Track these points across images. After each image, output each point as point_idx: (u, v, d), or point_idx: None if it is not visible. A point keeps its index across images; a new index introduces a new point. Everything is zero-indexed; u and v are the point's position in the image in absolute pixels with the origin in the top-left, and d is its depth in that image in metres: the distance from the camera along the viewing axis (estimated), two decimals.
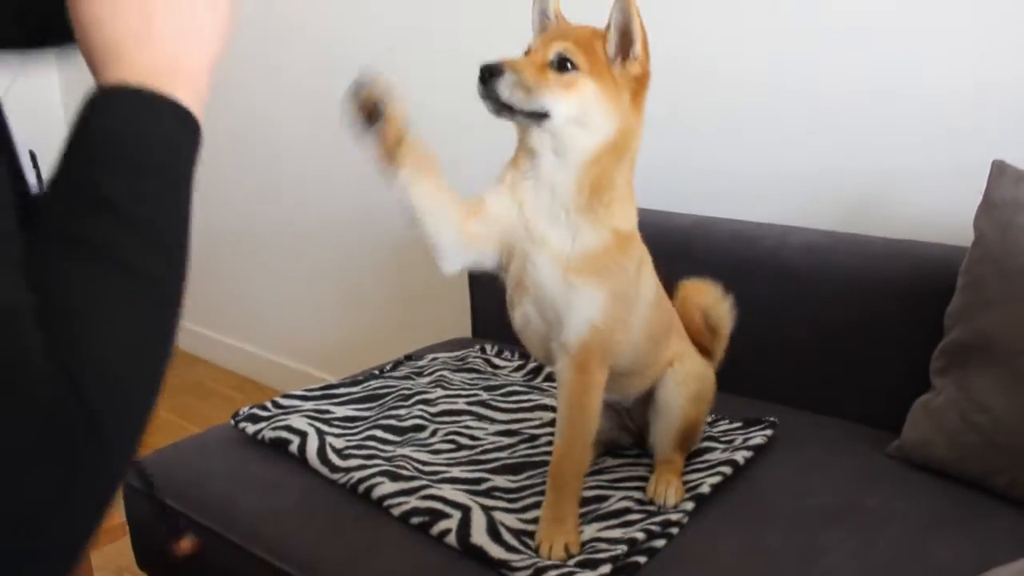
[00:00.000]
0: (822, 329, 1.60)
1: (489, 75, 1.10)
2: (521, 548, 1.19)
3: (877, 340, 1.55)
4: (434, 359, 1.88)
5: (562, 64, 1.13)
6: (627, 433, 1.46)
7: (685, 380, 1.36)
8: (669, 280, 1.51)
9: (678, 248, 1.76)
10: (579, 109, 1.14)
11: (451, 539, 1.22)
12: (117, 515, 1.34)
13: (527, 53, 1.18)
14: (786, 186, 1.79)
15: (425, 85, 2.35)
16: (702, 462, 1.40)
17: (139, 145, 0.56)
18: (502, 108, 1.12)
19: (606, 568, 1.12)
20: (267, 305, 3.12)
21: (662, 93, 1.93)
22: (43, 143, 3.07)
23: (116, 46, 0.58)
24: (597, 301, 1.18)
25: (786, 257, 1.66)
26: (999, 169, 1.38)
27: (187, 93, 0.59)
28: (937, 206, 1.60)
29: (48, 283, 0.50)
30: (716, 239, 1.75)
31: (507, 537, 1.20)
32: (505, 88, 1.11)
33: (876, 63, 1.64)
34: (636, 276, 1.25)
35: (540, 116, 1.13)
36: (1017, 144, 1.46)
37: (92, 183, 0.54)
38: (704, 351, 1.47)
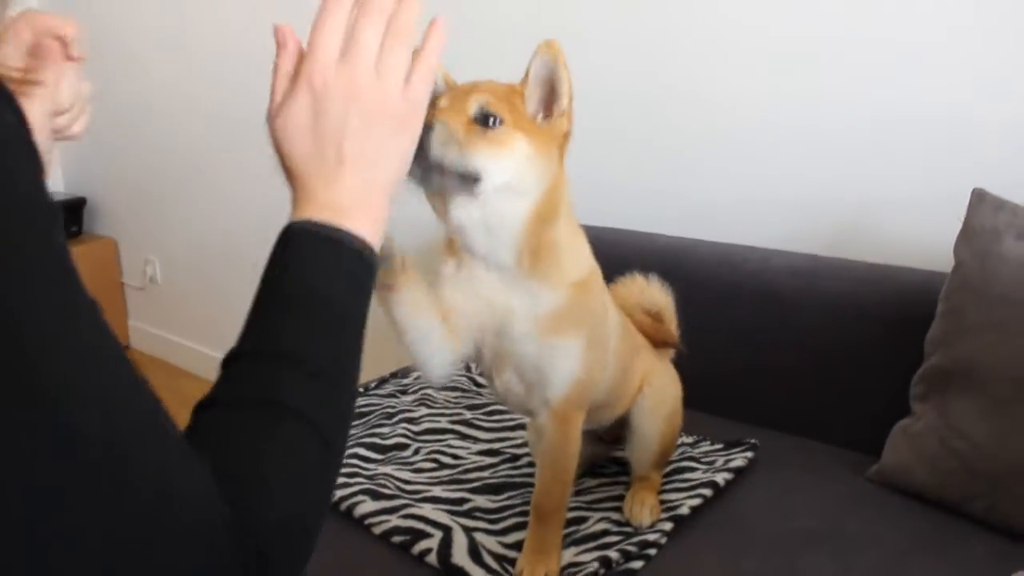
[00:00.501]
0: (804, 352, 1.61)
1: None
2: (501, 572, 1.19)
3: (859, 364, 1.56)
4: (419, 377, 1.88)
5: (485, 118, 1.00)
6: (602, 444, 1.46)
7: (658, 403, 1.35)
8: None
9: (661, 270, 1.76)
10: (512, 171, 1.01)
11: (432, 559, 1.22)
12: None
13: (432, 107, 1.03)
14: (770, 210, 1.81)
15: None
16: (683, 481, 1.40)
17: (323, 298, 0.60)
18: (429, 170, 0.97)
19: None
20: None
21: (648, 117, 1.97)
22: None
23: (307, 181, 0.63)
24: (576, 354, 1.14)
25: (769, 280, 1.67)
26: (978, 197, 1.40)
27: (367, 221, 0.63)
28: (918, 232, 1.62)
29: (231, 445, 0.54)
30: (700, 261, 1.76)
31: (488, 560, 1.21)
32: (437, 144, 0.96)
33: (860, 92, 1.66)
34: (603, 314, 1.22)
35: (471, 180, 0.99)
36: (997, 172, 1.48)
37: (281, 336, 0.58)
38: (662, 343, 1.44)
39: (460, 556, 1.20)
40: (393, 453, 1.54)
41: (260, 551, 0.51)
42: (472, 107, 1.01)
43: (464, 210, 1.03)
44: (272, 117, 0.64)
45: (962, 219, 1.41)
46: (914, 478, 1.38)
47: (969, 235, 1.39)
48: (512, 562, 1.21)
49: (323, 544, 1.31)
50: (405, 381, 1.87)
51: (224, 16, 2.91)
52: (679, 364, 1.49)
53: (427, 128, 0.94)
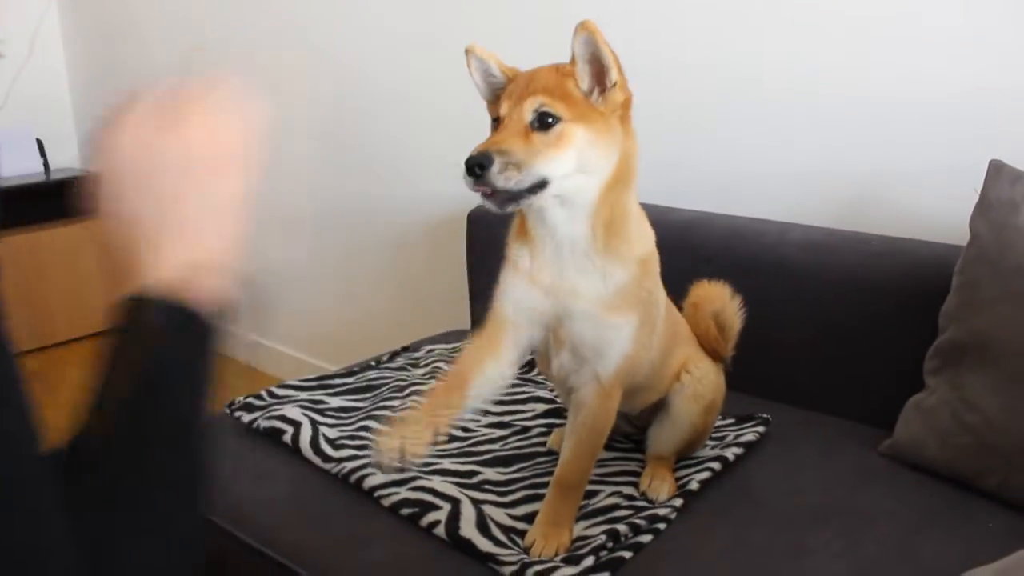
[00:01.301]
0: (818, 326, 1.60)
1: (479, 167, 1.01)
2: (509, 544, 1.19)
3: (873, 338, 1.55)
4: (430, 351, 1.88)
5: (543, 120, 1.05)
6: (628, 424, 1.46)
7: (698, 394, 1.34)
8: (666, 276, 1.51)
9: (675, 243, 1.74)
10: (576, 161, 1.07)
11: (440, 531, 1.22)
12: None
13: (496, 120, 1.09)
14: (786, 183, 1.79)
15: (430, 87, 2.36)
16: (692, 458, 1.40)
17: (165, 371, 0.61)
18: (505, 200, 1.04)
19: (589, 561, 1.12)
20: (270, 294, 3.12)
21: (663, 90, 1.94)
22: (50, 131, 3.13)
23: (135, 249, 0.61)
24: (629, 332, 1.16)
25: (784, 254, 1.65)
26: (996, 169, 1.38)
27: (206, 288, 0.63)
28: (935, 205, 1.60)
29: (87, 527, 0.56)
30: (715, 235, 1.75)
31: (496, 532, 1.21)
32: (499, 176, 1.02)
33: (876, 63, 1.63)
34: (657, 292, 1.23)
35: (540, 186, 1.05)
36: (1014, 144, 1.45)
37: (125, 407, 0.60)
38: (713, 354, 1.45)
39: (468, 528, 1.21)
40: None
41: None
42: (528, 114, 1.06)
43: (541, 199, 1.09)
44: (104, 201, 0.63)
45: (979, 191, 1.39)
46: (926, 453, 1.37)
47: (985, 207, 1.37)
48: (521, 534, 1.21)
49: (332, 516, 1.32)
50: (416, 355, 1.87)
51: None
52: None
53: (487, 163, 1.01)
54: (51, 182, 3.52)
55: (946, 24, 1.55)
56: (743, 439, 1.43)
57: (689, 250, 1.74)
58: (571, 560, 1.13)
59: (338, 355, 2.67)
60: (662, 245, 1.68)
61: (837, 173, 1.71)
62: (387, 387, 1.69)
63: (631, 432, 1.46)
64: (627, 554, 1.16)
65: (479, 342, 1.20)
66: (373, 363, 1.83)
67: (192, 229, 0.62)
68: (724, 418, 1.54)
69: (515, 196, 1.05)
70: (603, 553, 1.15)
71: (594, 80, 1.08)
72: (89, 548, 0.55)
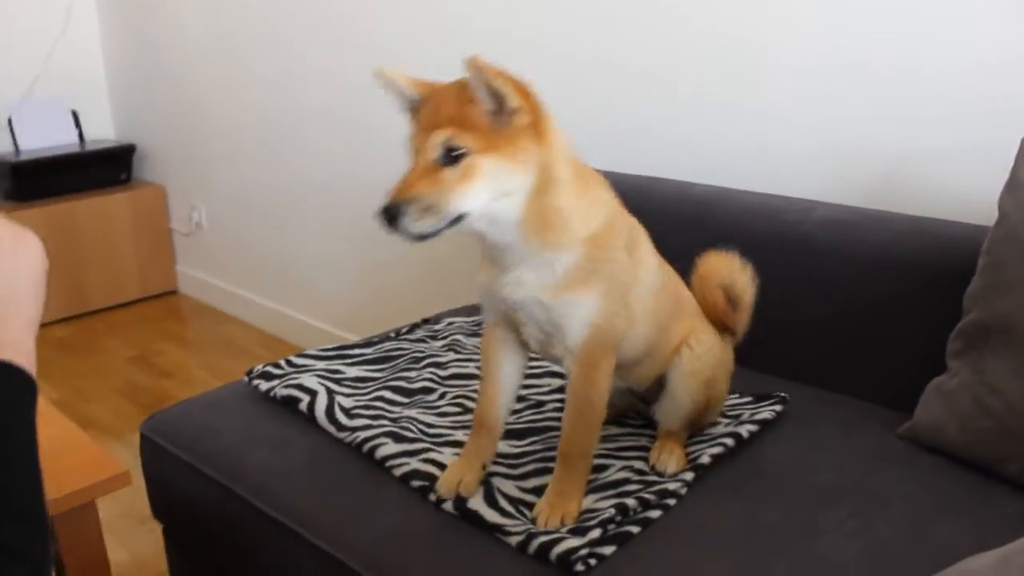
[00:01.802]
0: (841, 306, 1.58)
1: (392, 218, 1.03)
2: (516, 515, 1.19)
3: (896, 319, 1.52)
4: (450, 323, 1.88)
5: (449, 156, 1.05)
6: (639, 401, 1.45)
7: (696, 370, 1.32)
8: (684, 251, 1.49)
9: (695, 219, 1.74)
10: (488, 192, 1.07)
11: (448, 505, 1.22)
12: (121, 464, 1.38)
13: (413, 150, 1.09)
14: (810, 160, 1.76)
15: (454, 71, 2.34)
16: (706, 434, 1.39)
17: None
18: (422, 238, 1.06)
19: (595, 533, 1.12)
20: (295, 266, 3.15)
21: (686, 63, 1.92)
22: (85, 103, 3.17)
23: None
24: (591, 303, 1.16)
25: (808, 231, 1.63)
26: None
27: (21, 358, 0.68)
28: (963, 183, 1.57)
29: None
30: (735, 211, 1.72)
31: (503, 503, 1.21)
32: (414, 225, 1.04)
33: (905, 38, 1.59)
34: (629, 259, 1.21)
35: (459, 219, 1.07)
36: None
37: None
38: (723, 328, 1.43)
39: (475, 501, 1.21)
40: (419, 397, 1.55)
41: None
42: (434, 151, 1.05)
43: (465, 227, 1.10)
44: None
45: (1009, 170, 1.36)
46: (946, 436, 1.35)
47: (1015, 186, 1.34)
48: (529, 506, 1.21)
49: (344, 484, 1.33)
50: (436, 327, 1.87)
51: None
52: None
53: (400, 213, 1.03)
54: (85, 153, 3.57)
55: None
56: (758, 417, 1.42)
57: (710, 226, 1.73)
58: (577, 531, 1.13)
59: (363, 327, 2.68)
60: (680, 221, 1.66)
61: (863, 150, 1.68)
62: (404, 358, 1.69)
63: (642, 408, 1.45)
64: (635, 528, 1.16)
65: (486, 362, 1.29)
66: (392, 334, 1.83)
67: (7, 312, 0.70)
68: (741, 396, 1.52)
69: (435, 234, 1.07)
70: (611, 527, 1.15)
71: (497, 104, 1.06)
72: None
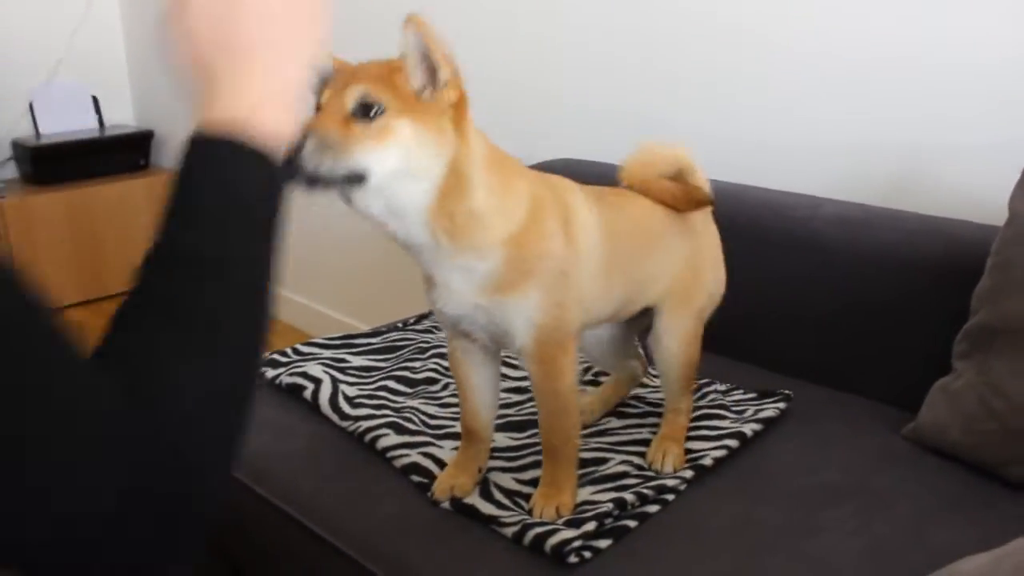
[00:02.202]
0: (848, 304, 1.56)
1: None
2: (511, 506, 1.19)
3: (904, 318, 1.51)
4: None
5: (366, 110, 0.97)
6: (638, 363, 1.44)
7: (672, 325, 1.31)
8: None
9: None
10: (400, 158, 0.99)
11: (444, 504, 1.23)
12: None
13: (317, 108, 1.01)
14: (822, 157, 1.74)
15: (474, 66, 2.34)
16: (710, 429, 1.38)
17: (224, 199, 0.59)
18: (313, 181, 0.95)
19: (590, 526, 1.12)
20: (308, 255, 3.15)
21: (696, 57, 1.90)
22: (106, 89, 3.19)
23: (215, 78, 0.61)
24: (529, 303, 1.11)
25: (817, 229, 1.61)
26: None
27: (279, 114, 0.62)
28: (974, 182, 1.55)
29: (131, 338, 0.55)
30: (747, 207, 1.71)
31: (498, 496, 1.22)
32: (310, 156, 0.93)
33: (916, 36, 1.58)
34: (566, 243, 1.15)
35: (357, 179, 0.98)
36: None
37: (177, 238, 0.58)
38: (694, 205, 1.36)
39: (471, 496, 1.22)
40: (422, 387, 1.55)
41: (175, 448, 0.52)
42: (349, 102, 0.98)
43: (364, 201, 1.01)
44: (172, 21, 0.63)
45: (1021, 170, 1.34)
46: (950, 438, 1.33)
47: None
48: (525, 497, 1.21)
49: (345, 473, 1.34)
50: None
51: None
52: (719, 312, 1.46)
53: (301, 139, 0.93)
54: (104, 138, 3.60)
55: None
56: (762, 415, 1.41)
57: (719, 222, 1.71)
58: (573, 523, 1.13)
59: (374, 315, 2.68)
60: None
61: (873, 147, 1.67)
62: (409, 348, 1.70)
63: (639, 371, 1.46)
64: (632, 523, 1.16)
65: (456, 375, 1.27)
66: (400, 324, 1.84)
67: (266, 57, 0.62)
68: (746, 392, 1.52)
69: (325, 181, 0.97)
70: (608, 520, 1.15)
71: (427, 77, 1.00)
72: (125, 371, 0.52)
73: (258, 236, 0.61)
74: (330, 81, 1.02)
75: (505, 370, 1.60)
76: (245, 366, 0.59)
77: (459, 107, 1.03)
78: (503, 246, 1.08)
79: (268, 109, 0.61)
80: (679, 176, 1.35)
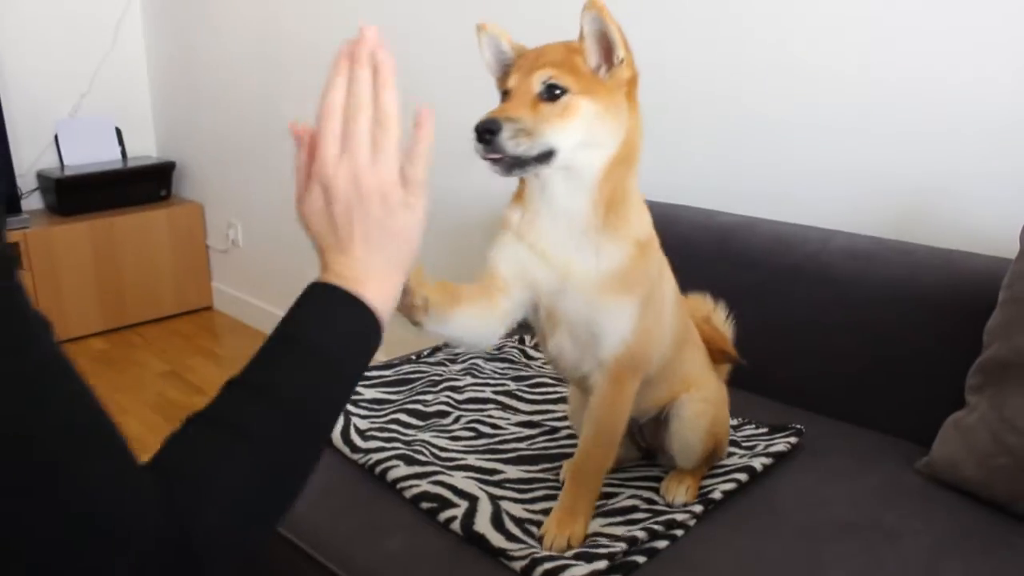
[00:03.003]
0: (859, 337, 1.56)
1: (489, 133, 1.03)
2: (522, 537, 1.19)
3: (915, 352, 1.50)
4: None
5: (551, 92, 1.07)
6: (636, 449, 1.44)
7: (697, 414, 1.29)
8: (706, 277, 1.49)
9: (717, 247, 1.74)
10: (584, 133, 1.09)
11: (455, 526, 1.23)
12: None
13: (505, 94, 1.11)
14: (833, 190, 1.75)
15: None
16: (719, 466, 1.38)
17: (322, 347, 0.68)
18: (512, 166, 1.06)
19: (601, 564, 1.11)
20: None
21: (710, 91, 1.92)
22: (129, 121, 3.25)
23: (327, 255, 0.74)
24: (628, 316, 1.16)
25: (827, 261, 1.62)
26: None
27: (377, 291, 0.72)
28: (986, 215, 1.54)
29: (182, 448, 0.60)
30: (758, 240, 1.72)
31: (509, 526, 1.21)
32: (509, 142, 1.04)
33: (928, 68, 1.58)
34: (659, 280, 1.22)
35: (548, 156, 1.08)
36: None
37: (262, 368, 0.67)
38: (722, 357, 1.45)
39: (482, 524, 1.22)
40: (433, 420, 1.56)
41: (193, 553, 0.56)
42: (536, 85, 1.08)
43: (549, 171, 1.11)
44: (297, 203, 0.76)
45: None
46: (963, 473, 1.32)
47: None
48: (535, 524, 1.22)
49: (355, 505, 1.34)
50: (457, 350, 1.88)
51: None
52: (733, 343, 1.46)
53: (497, 128, 1.03)
54: (127, 169, 3.65)
55: (1000, 32, 1.49)
56: (773, 449, 1.40)
57: (731, 255, 1.73)
58: (582, 557, 1.13)
59: (391, 346, 2.69)
60: (701, 249, 1.66)
61: (884, 179, 1.67)
62: (422, 381, 1.71)
63: (644, 453, 1.44)
64: (641, 559, 1.15)
65: (475, 289, 1.18)
66: (413, 356, 1.85)
67: (363, 249, 0.73)
68: (757, 427, 1.51)
69: (523, 163, 1.07)
70: (618, 556, 1.15)
71: (602, 57, 1.10)
72: (170, 474, 0.57)
73: (337, 384, 0.69)
74: (513, 66, 1.12)
75: (516, 404, 1.62)
76: (284, 497, 0.65)
77: (631, 84, 1.13)
78: (635, 245, 1.16)
79: (369, 285, 0.72)
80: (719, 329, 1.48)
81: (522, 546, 1.17)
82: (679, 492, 1.29)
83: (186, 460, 0.59)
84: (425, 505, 1.28)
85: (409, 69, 2.60)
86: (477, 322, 1.16)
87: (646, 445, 1.42)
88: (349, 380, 0.71)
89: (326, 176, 0.72)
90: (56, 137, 3.58)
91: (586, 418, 1.23)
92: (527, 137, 1.05)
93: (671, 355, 1.29)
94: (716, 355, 1.43)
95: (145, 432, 2.75)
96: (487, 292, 1.18)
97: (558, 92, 1.07)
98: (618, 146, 1.12)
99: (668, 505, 1.28)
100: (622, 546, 1.16)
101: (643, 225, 1.19)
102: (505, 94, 1.12)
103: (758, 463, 1.36)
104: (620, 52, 1.09)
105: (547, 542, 1.17)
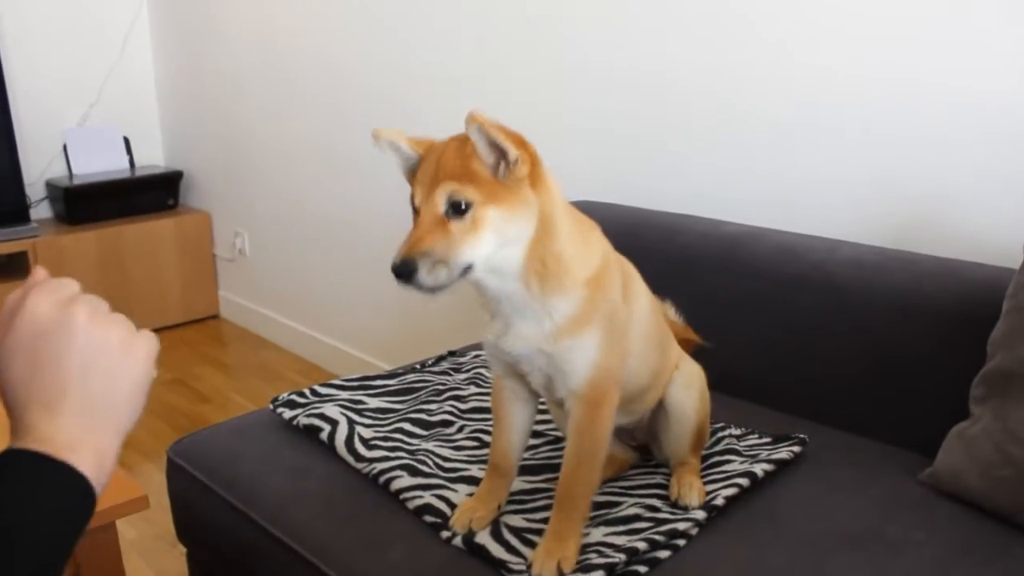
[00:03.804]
0: (863, 347, 1.56)
1: (406, 273, 1.06)
2: (521, 549, 1.19)
3: (920, 362, 1.50)
4: (476, 356, 1.89)
5: (457, 208, 1.07)
6: (630, 449, 1.45)
7: (691, 381, 1.37)
8: (712, 286, 1.49)
9: (723, 258, 1.74)
10: (496, 241, 1.09)
11: (457, 539, 1.23)
12: (140, 488, 1.40)
13: (415, 208, 1.11)
14: (839, 200, 1.75)
15: (439, 86, 2.37)
16: (721, 472, 1.38)
17: (19, 516, 0.60)
18: (435, 289, 1.08)
19: (599, 574, 1.11)
20: (334, 295, 3.19)
21: (714, 102, 1.92)
22: (137, 130, 3.28)
23: (27, 413, 0.64)
24: (592, 345, 1.17)
25: (831, 271, 1.61)
26: None
27: (89, 463, 0.64)
28: (991, 225, 1.54)
29: None
30: (761, 250, 1.72)
31: (508, 537, 1.22)
32: (427, 278, 1.06)
33: (933, 78, 1.58)
34: (624, 298, 1.23)
35: (467, 271, 1.09)
36: None
37: None
38: (687, 344, 1.50)
39: (483, 535, 1.22)
40: (437, 430, 1.56)
41: None
42: (441, 204, 1.08)
43: (471, 279, 1.13)
44: None
45: None
46: (966, 484, 1.32)
47: None
48: (538, 533, 1.22)
49: (358, 515, 1.35)
50: (461, 360, 1.88)
51: None
52: (735, 355, 1.47)
53: (413, 267, 1.05)
54: (135, 178, 3.68)
55: (1004, 41, 1.49)
56: (775, 457, 1.40)
57: (737, 265, 1.73)
58: (583, 568, 1.13)
59: (397, 355, 2.71)
60: (707, 259, 1.65)
61: (888, 189, 1.67)
62: (426, 391, 1.71)
63: (638, 452, 1.45)
64: (642, 568, 1.16)
65: (496, 412, 1.31)
66: (417, 366, 1.85)
67: (71, 408, 0.65)
68: (761, 436, 1.51)
69: (447, 286, 1.08)
70: (618, 567, 1.15)
71: (497, 157, 1.09)
72: None
73: (47, 556, 0.62)
74: (417, 172, 1.13)
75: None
76: None
77: (533, 169, 1.11)
78: (584, 286, 1.16)
79: (81, 452, 0.63)
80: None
81: (521, 560, 1.18)
82: (692, 495, 1.30)
83: None
84: (428, 518, 1.29)
85: (411, 75, 2.61)
86: (522, 425, 1.31)
87: (637, 444, 1.43)
88: (55, 561, 0.63)
89: (36, 319, 0.66)
90: (65, 146, 3.60)
91: (567, 442, 1.24)
92: (443, 266, 1.06)
93: (658, 361, 1.33)
94: (685, 346, 1.47)
95: (152, 441, 2.75)
96: (501, 404, 1.30)
97: (463, 207, 1.07)
98: (533, 231, 1.12)
99: (684, 508, 1.29)
100: (621, 556, 1.16)
101: (588, 262, 1.18)
102: (415, 210, 1.11)
103: (759, 469, 1.36)
104: (512, 155, 1.07)
105: (536, 568, 1.16)
